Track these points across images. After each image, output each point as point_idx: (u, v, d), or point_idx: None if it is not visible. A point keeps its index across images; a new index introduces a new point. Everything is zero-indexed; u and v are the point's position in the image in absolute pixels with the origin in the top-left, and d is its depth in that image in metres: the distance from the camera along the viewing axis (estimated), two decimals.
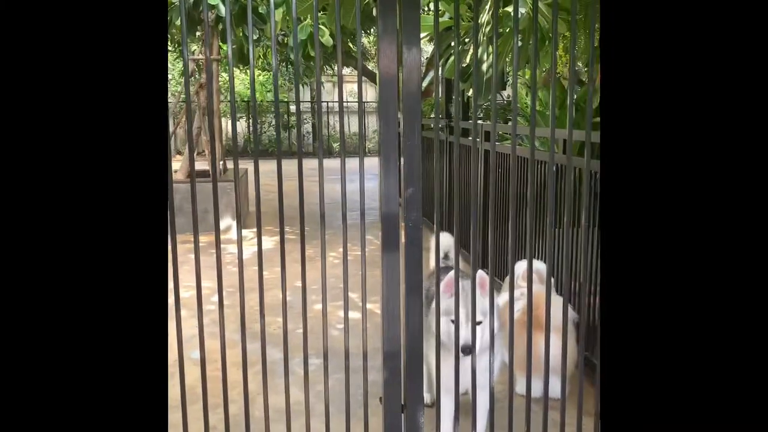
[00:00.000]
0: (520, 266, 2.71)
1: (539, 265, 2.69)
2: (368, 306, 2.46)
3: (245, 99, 14.23)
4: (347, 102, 13.73)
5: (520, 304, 2.35)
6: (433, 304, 1.95)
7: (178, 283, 1.73)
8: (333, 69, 14.04)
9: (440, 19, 1.95)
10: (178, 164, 6.63)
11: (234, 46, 7.74)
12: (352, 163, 1.79)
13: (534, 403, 1.96)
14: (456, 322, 1.81)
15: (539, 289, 2.30)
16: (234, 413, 1.85)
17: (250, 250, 4.94)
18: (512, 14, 2.08)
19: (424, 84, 6.21)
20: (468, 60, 3.76)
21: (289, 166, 1.79)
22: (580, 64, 4.71)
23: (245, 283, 1.76)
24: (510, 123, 1.79)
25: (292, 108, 15.64)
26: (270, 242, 5.30)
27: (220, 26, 5.85)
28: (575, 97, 2.24)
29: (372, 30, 8.33)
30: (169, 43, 9.32)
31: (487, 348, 1.96)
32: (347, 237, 1.78)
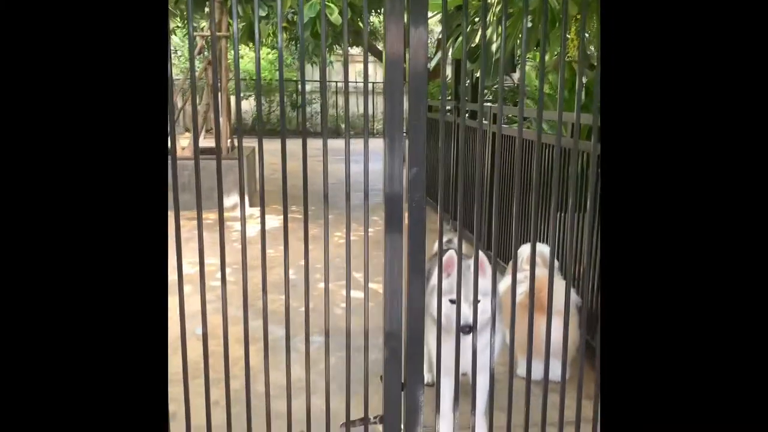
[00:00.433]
0: (524, 249, 2.71)
1: (543, 248, 2.69)
2: (371, 286, 2.47)
3: (254, 77, 14.16)
4: (355, 82, 13.60)
5: (522, 287, 2.35)
6: (432, 284, 1.96)
7: (181, 260, 1.74)
8: (342, 48, 13.91)
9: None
10: (186, 141, 6.62)
11: (243, 24, 7.70)
12: (359, 144, 1.78)
13: (534, 385, 1.97)
14: (457, 301, 1.82)
15: (542, 272, 2.31)
16: (236, 389, 1.87)
17: (256, 228, 5.00)
18: None
19: (432, 64, 6.15)
20: (477, 40, 3.72)
21: (297, 145, 1.78)
22: (592, 48, 4.64)
23: (250, 261, 1.76)
24: (518, 105, 1.77)
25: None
26: (276, 221, 5.30)
27: (229, 3, 5.81)
28: (585, 80, 2.21)
29: (381, 9, 8.24)
30: (178, 20, 9.27)
31: (487, 328, 1.97)
32: (351, 217, 1.78)
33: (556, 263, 2.85)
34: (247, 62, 14.25)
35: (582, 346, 2.26)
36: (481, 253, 1.95)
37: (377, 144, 1.78)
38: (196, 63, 7.93)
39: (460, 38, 3.69)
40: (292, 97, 14.73)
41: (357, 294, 2.30)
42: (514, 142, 3.82)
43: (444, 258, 1.91)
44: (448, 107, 4.98)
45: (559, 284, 2.07)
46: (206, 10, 6.45)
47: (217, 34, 5.99)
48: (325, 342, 1.81)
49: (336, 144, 1.77)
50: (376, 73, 13.72)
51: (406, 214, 1.78)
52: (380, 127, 14.44)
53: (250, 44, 12.23)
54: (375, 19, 12.24)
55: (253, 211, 5.85)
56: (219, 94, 6.24)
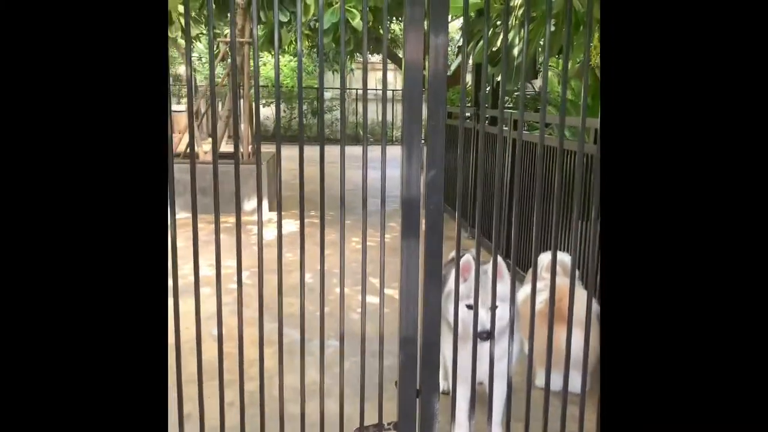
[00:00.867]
0: (544, 257, 2.67)
1: (563, 257, 2.64)
2: (388, 291, 2.45)
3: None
4: (375, 89, 13.64)
5: (542, 296, 2.31)
6: (447, 289, 1.93)
7: (198, 262, 1.73)
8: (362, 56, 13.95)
9: (471, 1, 1.91)
10: (208, 146, 6.68)
11: (265, 30, 7.76)
12: (378, 151, 1.77)
13: (553, 396, 1.93)
14: (474, 307, 1.79)
15: (562, 281, 2.26)
16: (251, 390, 1.86)
17: (275, 232, 5.02)
18: None
19: (452, 68, 6.11)
20: (498, 44, 3.69)
21: (316, 151, 1.77)
22: None
23: (269, 265, 1.76)
24: (540, 111, 1.74)
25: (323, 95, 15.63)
26: (295, 225, 5.29)
27: (251, 9, 5.86)
28: None
29: (402, 16, 8.25)
30: (203, 26, 9.38)
31: (505, 335, 1.93)
32: (367, 220, 1.76)
33: (577, 273, 2.80)
34: (269, 69, 14.38)
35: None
36: (499, 258, 1.93)
37: (395, 151, 1.77)
38: (219, 69, 7.99)
39: (481, 42, 3.67)
40: (312, 105, 14.81)
41: (373, 299, 2.28)
42: (535, 148, 3.78)
43: (461, 262, 1.88)
44: (467, 114, 4.95)
45: (580, 293, 2.03)
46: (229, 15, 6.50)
47: (239, 40, 6.05)
48: (340, 347, 1.80)
49: (355, 150, 1.77)
50: (396, 80, 13.75)
51: (423, 220, 1.77)
52: (399, 134, 14.42)
53: (273, 51, 12.35)
54: (396, 27, 12.28)
55: (272, 216, 5.84)
56: (240, 100, 6.31)
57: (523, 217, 3.87)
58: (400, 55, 12.53)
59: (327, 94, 16.15)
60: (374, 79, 13.28)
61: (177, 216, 1.72)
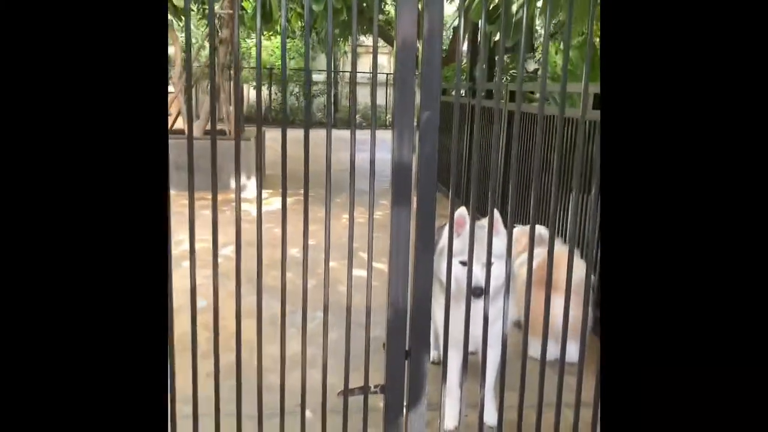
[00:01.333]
0: (519, 233, 2.60)
1: (541, 230, 2.57)
2: (378, 265, 2.35)
3: (266, 66, 14.08)
4: (368, 73, 13.47)
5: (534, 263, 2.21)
6: (440, 246, 1.82)
7: (194, 236, 1.63)
8: (357, 39, 13.72)
9: None
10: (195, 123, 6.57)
11: (254, 3, 7.53)
12: (368, 134, 1.66)
13: (548, 366, 1.84)
14: (469, 262, 1.68)
15: (560, 249, 2.16)
16: (232, 361, 1.76)
17: (265, 208, 5.07)
18: None
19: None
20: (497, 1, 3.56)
21: (299, 134, 1.69)
22: None
23: (254, 239, 1.67)
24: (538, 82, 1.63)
25: (314, 77, 15.45)
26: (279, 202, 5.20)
27: None
28: None
29: None
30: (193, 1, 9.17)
31: (500, 295, 1.83)
32: (356, 201, 1.66)
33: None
34: (265, 51, 14.16)
35: (589, 325, 2.11)
36: (495, 212, 1.81)
37: (387, 135, 1.67)
38: (204, 47, 7.80)
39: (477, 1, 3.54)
40: (304, 87, 14.64)
41: (362, 272, 2.18)
42: (534, 119, 3.68)
43: (455, 216, 1.77)
44: (462, 90, 4.83)
45: (577, 263, 1.93)
46: None
47: (226, 11, 5.88)
48: (324, 319, 1.68)
49: (347, 134, 1.67)
50: (390, 64, 13.59)
51: (414, 183, 1.65)
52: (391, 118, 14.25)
53: (266, 33, 12.11)
54: (391, 8, 12.10)
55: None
56: (229, 82, 6.16)
57: (521, 189, 3.77)
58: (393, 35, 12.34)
59: (320, 77, 15.97)
60: (368, 62, 13.12)
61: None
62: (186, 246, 1.69)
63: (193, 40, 14.23)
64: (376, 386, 1.70)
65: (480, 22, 5.33)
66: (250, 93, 15.12)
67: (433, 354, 2.46)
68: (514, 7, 3.08)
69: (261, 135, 1.63)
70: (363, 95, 14.89)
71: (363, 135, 1.70)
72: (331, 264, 1.75)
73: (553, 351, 1.84)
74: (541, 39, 1.67)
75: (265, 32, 10.63)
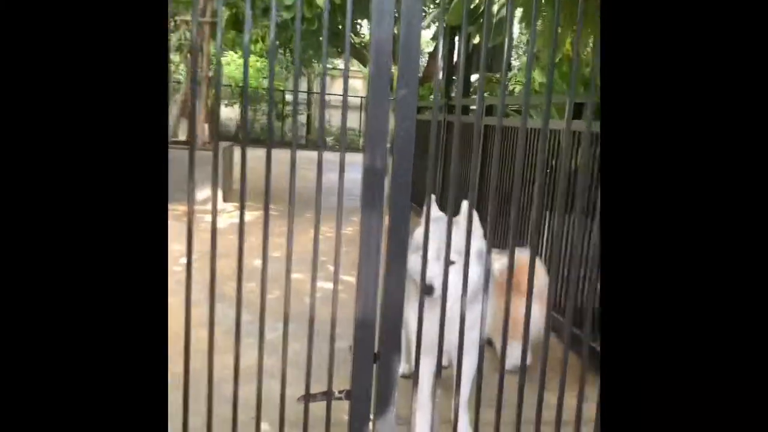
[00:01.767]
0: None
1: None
2: (346, 278, 2.23)
3: (239, 84, 13.97)
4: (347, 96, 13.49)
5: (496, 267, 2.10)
6: (415, 242, 1.69)
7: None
8: (333, 63, 13.75)
9: None
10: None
11: (229, 13, 7.45)
12: (348, 157, 1.58)
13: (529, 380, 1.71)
14: (423, 259, 1.56)
15: (524, 254, 2.06)
16: (196, 368, 1.59)
17: (227, 221, 5.14)
18: None
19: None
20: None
21: (276, 154, 1.59)
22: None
23: (219, 250, 1.56)
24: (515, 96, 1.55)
25: (288, 97, 15.40)
26: (249, 216, 5.13)
27: None
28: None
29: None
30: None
31: (476, 299, 1.70)
32: (323, 218, 1.55)
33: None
34: (233, 69, 14.06)
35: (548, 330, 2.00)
36: (465, 204, 1.69)
37: (359, 158, 1.57)
38: (177, 56, 7.68)
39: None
40: (277, 107, 14.54)
41: (328, 285, 2.07)
42: (515, 134, 3.62)
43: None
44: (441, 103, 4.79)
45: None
46: None
47: (201, 19, 5.76)
48: (284, 330, 1.53)
49: (324, 156, 1.58)
50: (364, 88, 13.62)
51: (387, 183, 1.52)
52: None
53: (238, 50, 12.02)
54: (366, 30, 12.16)
55: (226, 206, 5.84)
56: (197, 88, 6.02)
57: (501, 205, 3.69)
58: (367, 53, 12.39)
59: (291, 97, 15.93)
60: (340, 85, 13.15)
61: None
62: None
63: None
64: (340, 392, 1.53)
65: (457, 33, 5.34)
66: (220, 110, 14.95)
67: (404, 367, 2.31)
68: (495, 7, 3.03)
69: (216, 145, 1.53)
70: (338, 119, 14.86)
71: (334, 156, 1.63)
72: (298, 276, 1.66)
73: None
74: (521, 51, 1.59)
75: (238, 51, 10.53)
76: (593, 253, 1.71)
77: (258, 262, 1.54)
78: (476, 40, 4.18)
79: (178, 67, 6.45)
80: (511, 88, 7.88)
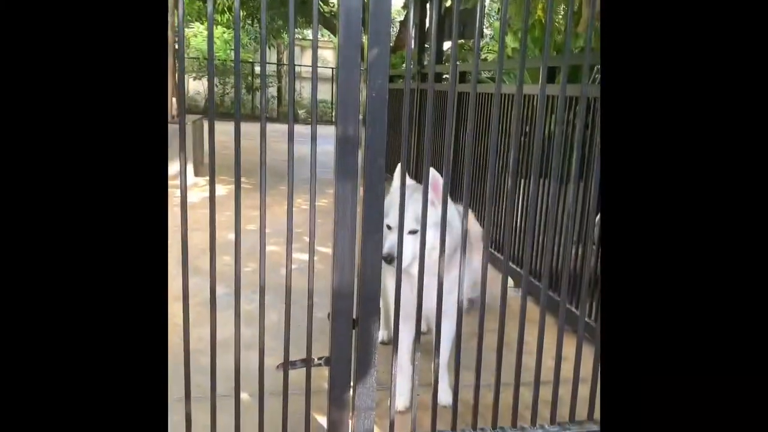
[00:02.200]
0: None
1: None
2: (322, 249, 2.20)
3: (207, 57, 13.66)
4: (319, 66, 13.28)
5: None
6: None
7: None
8: (303, 33, 13.48)
9: None
10: None
11: None
12: (320, 130, 1.53)
13: (506, 344, 1.73)
14: (400, 229, 1.53)
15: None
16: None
17: (198, 194, 5.07)
18: None
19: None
20: None
21: (247, 127, 1.57)
22: None
23: (193, 225, 1.52)
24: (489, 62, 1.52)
25: (256, 69, 15.11)
26: (223, 189, 5.06)
27: None
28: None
29: None
30: None
31: (454, 264, 1.69)
32: (296, 191, 1.52)
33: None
34: (200, 41, 13.72)
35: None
36: (433, 171, 1.68)
37: (331, 130, 1.53)
38: None
39: None
40: (246, 80, 14.24)
41: (304, 256, 2.05)
42: (489, 100, 3.60)
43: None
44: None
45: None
46: None
47: None
48: (260, 300, 1.50)
49: (297, 128, 1.56)
50: (334, 59, 13.43)
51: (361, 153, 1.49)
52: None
53: (204, 21, 11.68)
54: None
55: (198, 180, 5.76)
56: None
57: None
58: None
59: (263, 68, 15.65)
60: (321, 57, 12.92)
61: None
62: None
63: None
64: (320, 358, 1.52)
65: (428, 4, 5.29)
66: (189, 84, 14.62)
67: (383, 334, 2.31)
68: None
69: (183, 119, 1.48)
70: (308, 91, 14.62)
71: (306, 129, 1.59)
72: (274, 248, 1.60)
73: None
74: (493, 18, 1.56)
75: (205, 19, 10.24)
76: (567, 220, 1.72)
77: (231, 236, 1.51)
78: (448, 2, 4.11)
79: None
80: (482, 56, 7.84)
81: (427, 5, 5.53)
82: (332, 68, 13.36)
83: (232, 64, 14.62)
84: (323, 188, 1.59)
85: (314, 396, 1.59)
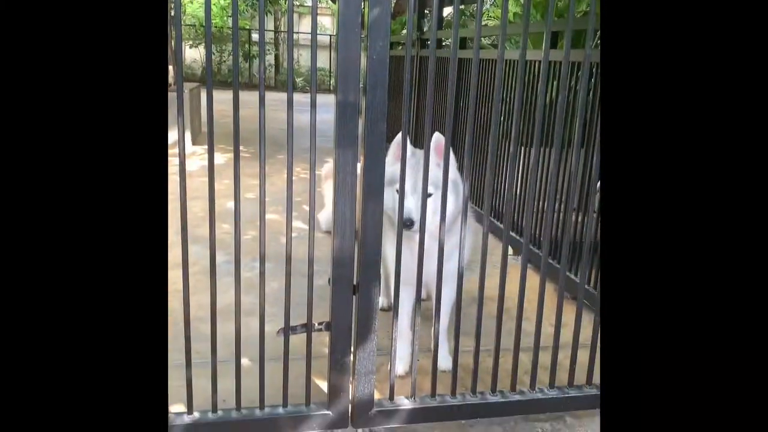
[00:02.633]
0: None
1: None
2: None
3: (204, 24, 13.44)
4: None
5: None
6: (388, 176, 1.67)
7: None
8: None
9: None
10: None
11: None
12: (319, 98, 1.50)
13: (506, 311, 1.73)
14: (401, 193, 1.52)
15: None
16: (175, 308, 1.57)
17: (197, 163, 5.00)
18: None
19: None
20: None
21: (245, 95, 1.58)
22: None
23: (192, 193, 1.51)
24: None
25: (255, 37, 14.93)
26: (221, 158, 5.03)
27: None
28: None
29: None
30: None
31: (453, 230, 1.69)
32: (296, 160, 1.48)
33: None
34: (197, 7, 13.48)
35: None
36: (438, 134, 1.66)
37: (330, 99, 1.51)
38: None
39: None
40: (243, 47, 14.04)
41: (304, 225, 2.02)
42: (492, 66, 3.55)
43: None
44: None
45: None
46: None
47: None
48: (260, 269, 1.50)
49: (295, 96, 1.52)
50: (333, 26, 13.24)
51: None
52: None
53: None
54: None
55: (196, 149, 5.69)
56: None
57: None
58: None
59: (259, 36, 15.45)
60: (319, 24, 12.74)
61: None
62: None
63: None
64: (320, 323, 1.53)
65: None
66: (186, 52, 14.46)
67: (383, 301, 2.32)
68: None
69: (181, 87, 1.45)
70: (306, 59, 14.44)
71: (305, 97, 1.57)
72: (273, 216, 1.59)
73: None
74: None
75: None
76: (569, 186, 1.70)
77: (230, 205, 1.49)
78: None
79: None
80: (483, 23, 7.72)
81: None
82: (330, 35, 13.17)
83: (230, 31, 14.44)
84: (321, 156, 1.57)
85: (315, 361, 1.60)
